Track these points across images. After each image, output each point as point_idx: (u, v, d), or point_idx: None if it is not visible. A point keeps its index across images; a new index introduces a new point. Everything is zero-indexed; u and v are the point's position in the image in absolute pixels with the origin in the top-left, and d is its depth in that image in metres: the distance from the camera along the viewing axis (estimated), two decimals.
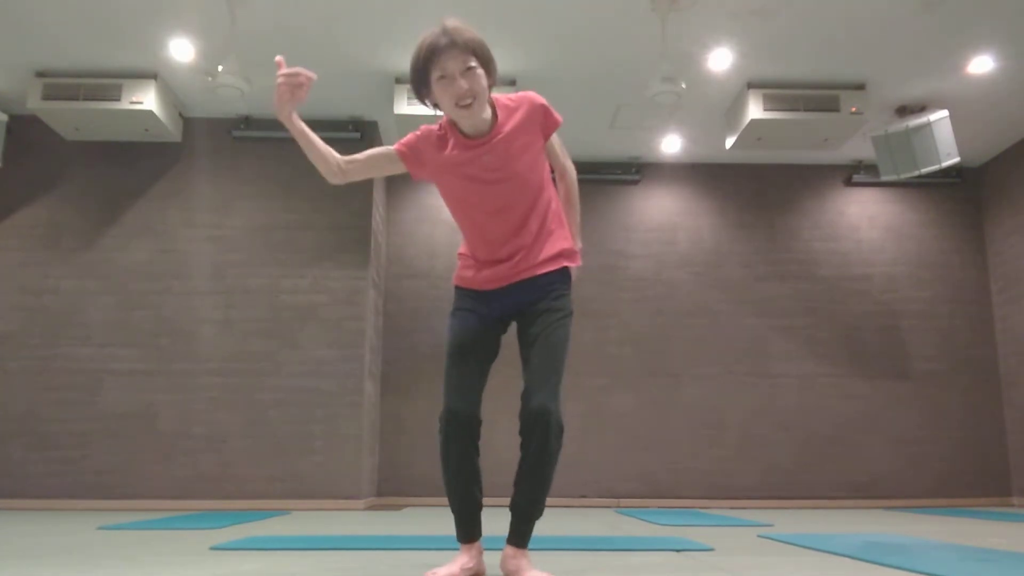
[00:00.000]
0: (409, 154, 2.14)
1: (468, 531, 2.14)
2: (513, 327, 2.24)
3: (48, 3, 4.51)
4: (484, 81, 2.03)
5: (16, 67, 5.24)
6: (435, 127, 2.15)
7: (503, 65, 5.20)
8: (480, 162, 2.08)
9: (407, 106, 5.25)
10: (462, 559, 2.10)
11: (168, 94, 5.50)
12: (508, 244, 2.14)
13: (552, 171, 2.25)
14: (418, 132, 2.16)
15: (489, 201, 2.11)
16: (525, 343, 2.13)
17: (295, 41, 4.93)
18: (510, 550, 2.09)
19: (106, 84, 5.22)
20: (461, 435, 2.07)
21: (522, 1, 4.50)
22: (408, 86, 5.19)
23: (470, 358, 2.13)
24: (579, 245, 2.29)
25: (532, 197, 2.13)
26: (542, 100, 2.14)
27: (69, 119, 5.39)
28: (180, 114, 5.84)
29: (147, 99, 5.23)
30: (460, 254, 2.27)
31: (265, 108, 5.84)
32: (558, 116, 2.17)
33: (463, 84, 1.99)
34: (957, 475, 6.30)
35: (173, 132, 5.65)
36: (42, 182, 5.84)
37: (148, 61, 5.17)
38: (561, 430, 2.03)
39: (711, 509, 5.73)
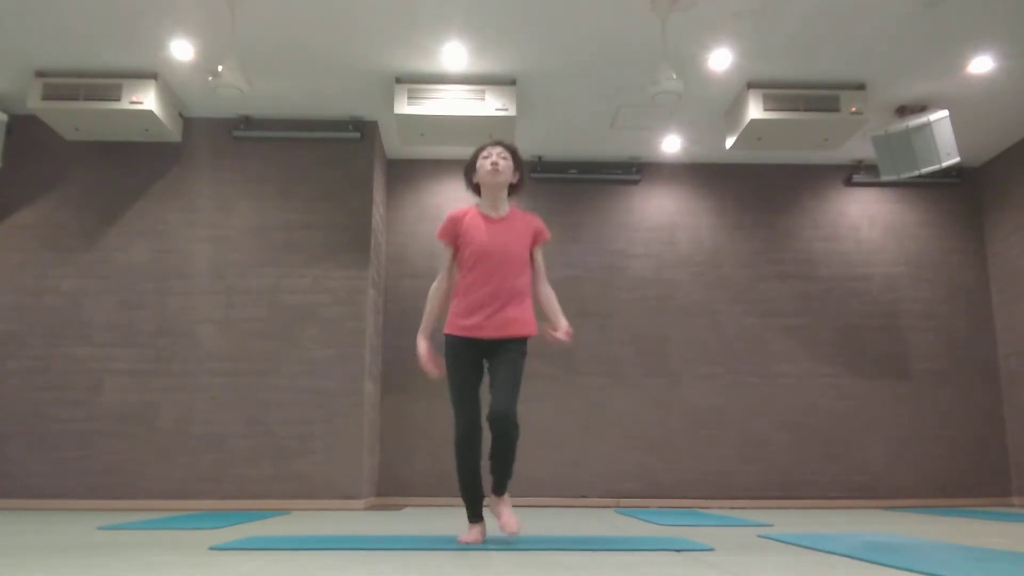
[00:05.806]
0: (453, 239, 3.10)
1: (476, 513, 3.03)
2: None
3: (48, 3, 4.51)
4: (510, 171, 3.10)
5: (16, 67, 5.24)
6: (463, 209, 3.11)
7: (504, 65, 5.20)
8: (493, 229, 3.06)
9: (407, 106, 5.26)
10: (476, 529, 3.01)
11: (168, 94, 5.50)
12: (493, 294, 2.97)
13: (536, 280, 3.15)
14: (449, 220, 3.10)
15: (492, 257, 2.99)
16: (494, 373, 2.99)
17: (295, 41, 4.93)
18: (494, 498, 3.00)
19: (106, 84, 5.23)
20: (473, 445, 2.94)
21: (522, 1, 4.50)
22: (408, 86, 5.27)
23: (471, 394, 3.01)
24: (564, 322, 3.07)
25: (518, 270, 3.03)
26: (541, 223, 3.19)
27: (69, 119, 5.39)
28: (180, 114, 5.84)
29: (147, 99, 5.24)
30: (452, 312, 3.06)
31: (265, 108, 5.84)
32: (548, 234, 3.19)
33: (496, 158, 3.08)
34: (957, 475, 6.30)
35: (173, 132, 5.65)
36: (42, 182, 5.84)
37: (148, 61, 5.17)
38: (517, 425, 2.90)
39: (711, 509, 5.73)
